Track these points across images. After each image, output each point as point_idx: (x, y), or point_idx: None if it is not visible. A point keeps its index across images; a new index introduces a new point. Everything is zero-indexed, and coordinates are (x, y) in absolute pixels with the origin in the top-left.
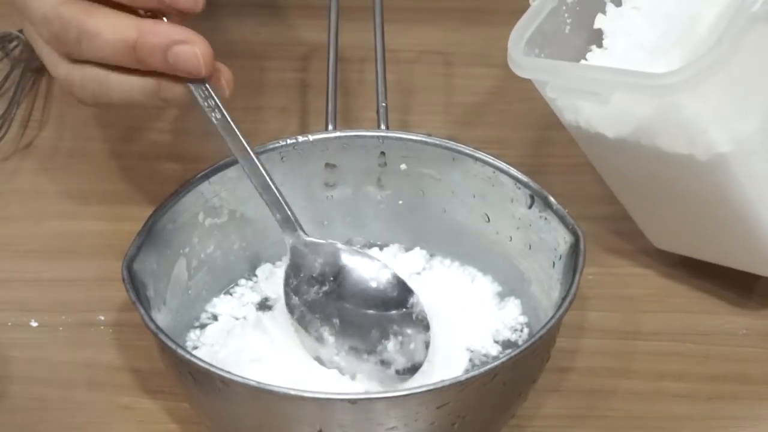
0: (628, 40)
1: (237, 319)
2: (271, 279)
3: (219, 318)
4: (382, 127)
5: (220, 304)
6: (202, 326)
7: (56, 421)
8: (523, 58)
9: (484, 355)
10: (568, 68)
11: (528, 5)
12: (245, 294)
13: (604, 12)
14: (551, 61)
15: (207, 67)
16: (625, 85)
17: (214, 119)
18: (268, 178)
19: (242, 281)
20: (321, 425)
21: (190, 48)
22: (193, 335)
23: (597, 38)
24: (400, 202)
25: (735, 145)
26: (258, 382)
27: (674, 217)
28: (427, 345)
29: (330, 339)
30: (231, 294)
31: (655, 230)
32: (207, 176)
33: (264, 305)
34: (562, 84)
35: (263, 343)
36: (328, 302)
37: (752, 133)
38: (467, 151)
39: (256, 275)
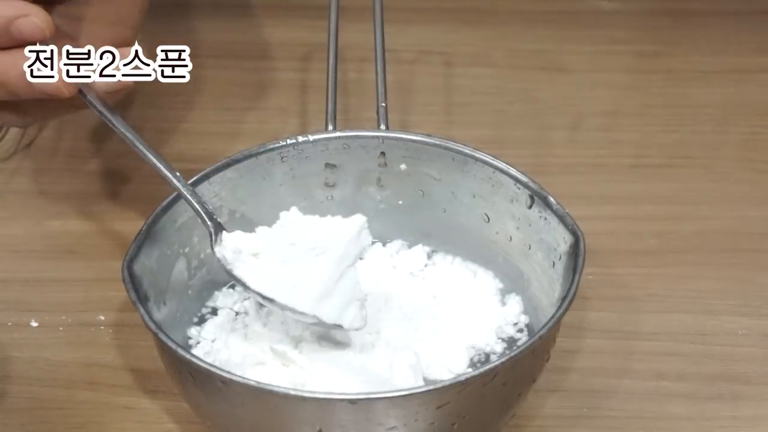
0: None
1: (238, 313)
2: None
3: (219, 312)
4: (382, 127)
5: (221, 298)
6: (202, 321)
7: (56, 421)
8: None
9: (488, 353)
10: None
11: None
12: None
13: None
14: None
15: (49, 30)
16: None
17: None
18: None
19: None
20: (321, 425)
21: (29, 19)
22: (194, 331)
23: None
24: (400, 202)
25: None
26: (258, 382)
27: None
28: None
29: None
30: (233, 288)
31: None
32: (207, 176)
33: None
34: None
35: (267, 349)
36: None
37: None
38: (467, 151)
39: None
